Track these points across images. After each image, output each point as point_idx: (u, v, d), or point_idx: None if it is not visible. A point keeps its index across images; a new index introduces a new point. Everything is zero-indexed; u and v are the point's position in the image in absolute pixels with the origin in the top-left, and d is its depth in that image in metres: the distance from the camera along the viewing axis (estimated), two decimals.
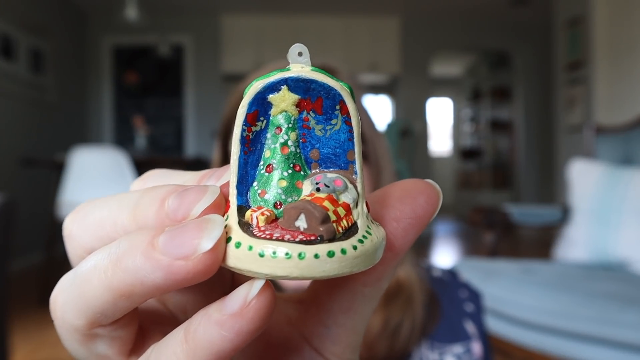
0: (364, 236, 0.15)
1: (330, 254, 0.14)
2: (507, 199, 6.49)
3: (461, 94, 8.28)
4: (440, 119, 9.18)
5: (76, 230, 0.19)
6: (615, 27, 3.39)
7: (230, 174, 0.16)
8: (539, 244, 4.82)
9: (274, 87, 0.15)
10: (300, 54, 0.15)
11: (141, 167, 2.75)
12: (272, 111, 0.16)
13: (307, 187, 0.16)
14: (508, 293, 1.31)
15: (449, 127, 9.25)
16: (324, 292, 0.19)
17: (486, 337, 0.56)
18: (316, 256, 0.14)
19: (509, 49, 5.77)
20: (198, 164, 2.97)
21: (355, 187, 0.16)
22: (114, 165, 2.53)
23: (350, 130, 0.16)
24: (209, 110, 5.26)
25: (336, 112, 0.16)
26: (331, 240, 0.14)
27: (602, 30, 3.49)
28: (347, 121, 0.16)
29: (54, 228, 2.78)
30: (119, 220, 0.17)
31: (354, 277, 0.17)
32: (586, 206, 1.63)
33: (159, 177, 0.20)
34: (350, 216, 0.15)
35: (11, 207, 1.13)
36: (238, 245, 0.14)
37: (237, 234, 0.15)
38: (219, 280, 0.18)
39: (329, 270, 0.14)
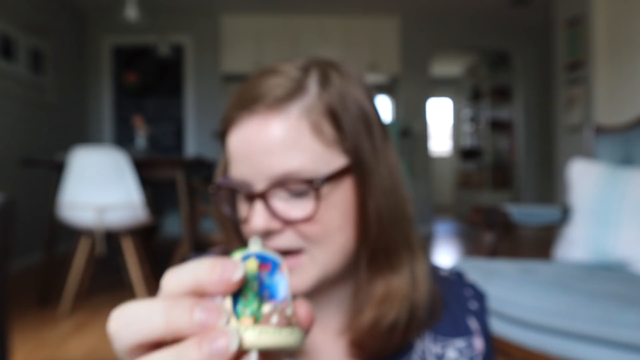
0: (294, 328, 0.27)
1: (289, 333, 0.27)
2: (507, 199, 6.49)
3: (461, 94, 8.29)
4: (440, 119, 9.19)
5: (119, 330, 0.26)
6: (615, 27, 3.40)
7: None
8: (539, 244, 4.83)
9: (248, 257, 0.28)
10: (256, 242, 0.30)
11: (141, 167, 2.75)
12: (247, 269, 0.27)
13: (267, 308, 0.28)
14: (508, 293, 1.31)
15: (449, 127, 9.26)
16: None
17: (489, 335, 0.57)
18: (279, 332, 0.26)
19: (508, 49, 5.78)
20: (198, 164, 2.98)
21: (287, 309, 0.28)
22: (114, 166, 2.53)
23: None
24: (209, 110, 5.26)
25: (278, 270, 0.29)
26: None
27: (601, 31, 3.49)
28: (284, 275, 0.29)
29: (54, 228, 2.78)
30: (156, 326, 0.25)
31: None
32: (586, 206, 1.63)
33: (179, 276, 0.27)
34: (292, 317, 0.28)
35: (10, 207, 1.13)
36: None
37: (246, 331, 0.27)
38: None
39: (293, 341, 0.27)
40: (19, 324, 2.40)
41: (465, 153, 7.55)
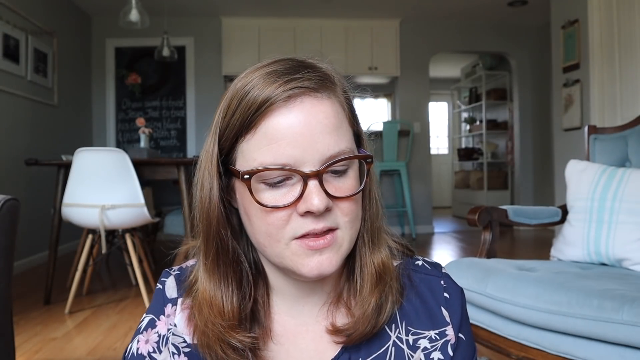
0: None
1: None
2: (504, 199, 6.53)
3: (460, 95, 8.32)
4: (439, 120, 9.22)
5: None
6: (612, 30, 3.43)
7: None
8: (536, 243, 4.86)
9: None
10: None
11: (144, 167, 2.77)
12: None
13: None
14: (505, 292, 1.33)
15: (447, 128, 9.28)
16: None
17: (464, 327, 0.58)
18: None
19: (506, 51, 5.81)
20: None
21: None
22: (117, 166, 2.56)
23: None
24: (211, 111, 5.29)
25: None
26: None
27: (598, 33, 3.52)
28: None
29: (59, 228, 2.80)
30: None
31: None
32: (582, 206, 1.66)
33: None
34: None
35: (15, 207, 1.14)
36: None
37: None
38: None
39: None
40: (23, 323, 2.42)
41: (463, 153, 7.57)
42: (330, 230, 0.49)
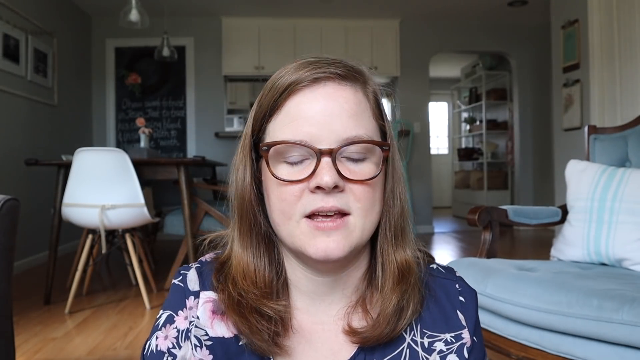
0: None
1: None
2: (504, 199, 6.53)
3: (460, 95, 8.32)
4: (439, 120, 9.22)
5: None
6: (612, 30, 3.43)
7: None
8: (536, 243, 4.86)
9: None
10: None
11: (144, 167, 2.77)
12: None
13: None
14: (505, 292, 1.33)
15: (447, 128, 9.28)
16: None
17: (479, 330, 0.59)
18: None
19: (506, 51, 5.81)
20: (200, 165, 3.00)
21: None
22: (117, 166, 2.56)
23: None
24: (211, 111, 5.29)
25: None
26: None
27: (598, 33, 3.52)
28: None
29: (59, 228, 2.80)
30: None
31: None
32: (582, 206, 1.66)
33: None
34: None
35: (15, 207, 1.14)
36: None
37: None
38: None
39: None
40: (23, 323, 2.42)
41: (463, 153, 7.57)
42: (341, 214, 0.50)
